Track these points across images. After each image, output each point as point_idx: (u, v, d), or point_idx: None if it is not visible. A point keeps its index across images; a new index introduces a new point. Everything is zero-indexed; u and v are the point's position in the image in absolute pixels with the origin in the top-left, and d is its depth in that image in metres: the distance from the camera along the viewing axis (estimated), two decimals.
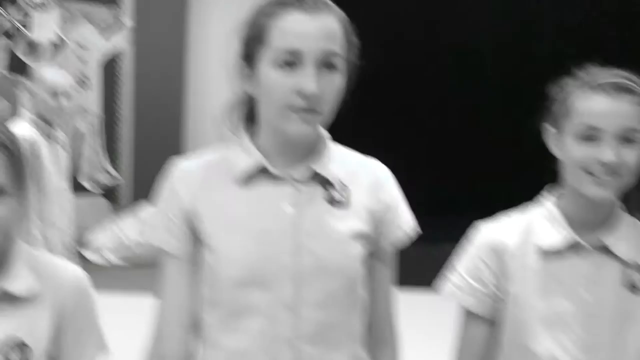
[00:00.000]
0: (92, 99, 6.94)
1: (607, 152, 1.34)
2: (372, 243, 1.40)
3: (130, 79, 7.32)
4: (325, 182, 1.36)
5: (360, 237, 1.37)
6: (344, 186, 1.38)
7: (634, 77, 1.40)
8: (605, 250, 1.43)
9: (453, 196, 7.16)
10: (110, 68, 7.09)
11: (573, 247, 1.43)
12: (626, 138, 1.36)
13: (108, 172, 6.78)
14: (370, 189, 1.41)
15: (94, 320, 1.44)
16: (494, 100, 7.04)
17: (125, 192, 7.35)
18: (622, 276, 1.43)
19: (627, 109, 1.36)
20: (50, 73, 3.51)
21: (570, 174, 1.42)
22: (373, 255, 1.41)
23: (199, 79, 6.89)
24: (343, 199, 1.37)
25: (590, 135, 1.36)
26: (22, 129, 3.22)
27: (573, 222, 1.44)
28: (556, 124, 1.44)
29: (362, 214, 1.38)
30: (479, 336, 1.50)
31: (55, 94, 3.36)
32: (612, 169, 1.35)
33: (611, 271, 1.43)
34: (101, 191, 6.89)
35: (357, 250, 1.36)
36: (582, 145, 1.37)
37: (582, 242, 1.43)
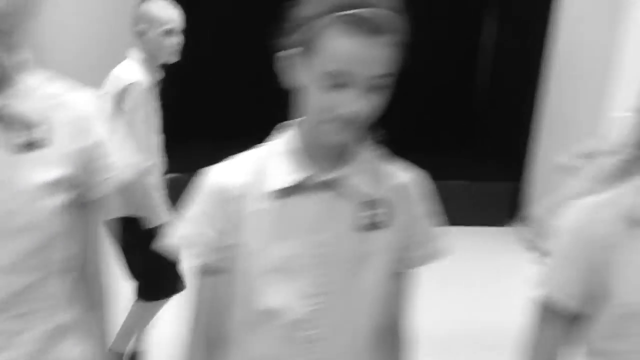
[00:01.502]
0: None
1: (352, 104, 1.15)
2: (76, 189, 1.23)
3: None
4: (10, 123, 1.15)
5: (59, 184, 1.20)
6: (38, 124, 1.18)
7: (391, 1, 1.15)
8: (338, 186, 1.26)
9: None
10: None
11: (303, 185, 1.26)
12: (374, 86, 1.15)
13: None
14: (75, 126, 1.23)
15: None
16: None
17: None
18: (355, 214, 1.27)
19: (382, 53, 1.14)
20: (161, 8, 2.94)
21: (306, 110, 1.22)
22: (77, 203, 1.25)
23: None
24: (36, 141, 1.17)
25: (336, 83, 1.14)
26: (132, 71, 2.82)
27: (305, 157, 1.27)
28: (299, 51, 1.19)
29: (62, 156, 1.20)
30: (213, 292, 1.32)
31: (169, 32, 2.91)
32: (353, 120, 1.17)
33: (344, 209, 1.27)
34: None
35: (53, 201, 1.19)
36: (325, 92, 1.15)
37: (313, 178, 1.25)
